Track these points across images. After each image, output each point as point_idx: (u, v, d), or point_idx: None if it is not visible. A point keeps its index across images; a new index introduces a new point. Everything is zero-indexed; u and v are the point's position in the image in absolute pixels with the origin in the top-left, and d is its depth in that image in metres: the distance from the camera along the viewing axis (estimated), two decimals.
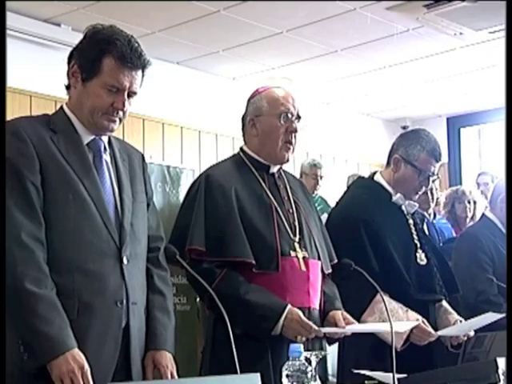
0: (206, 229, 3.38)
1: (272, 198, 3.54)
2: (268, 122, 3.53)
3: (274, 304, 3.32)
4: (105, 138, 3.04)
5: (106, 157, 3.02)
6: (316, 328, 3.30)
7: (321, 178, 7.26)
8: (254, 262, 3.36)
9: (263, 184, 3.56)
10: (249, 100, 3.64)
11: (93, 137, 2.98)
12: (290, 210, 3.58)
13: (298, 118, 3.55)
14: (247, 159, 3.60)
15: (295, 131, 3.53)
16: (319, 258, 3.57)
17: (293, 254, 3.46)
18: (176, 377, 2.92)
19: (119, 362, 2.88)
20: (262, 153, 3.58)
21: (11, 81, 6.56)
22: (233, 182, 3.48)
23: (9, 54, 6.60)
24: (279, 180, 3.63)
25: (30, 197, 2.78)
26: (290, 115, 3.52)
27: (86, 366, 2.69)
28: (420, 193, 4.15)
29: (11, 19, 6.58)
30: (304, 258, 3.48)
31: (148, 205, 3.14)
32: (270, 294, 3.35)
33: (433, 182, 4.13)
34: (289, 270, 3.42)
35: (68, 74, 2.99)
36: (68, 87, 3.02)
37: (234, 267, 3.37)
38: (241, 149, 3.68)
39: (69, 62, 2.99)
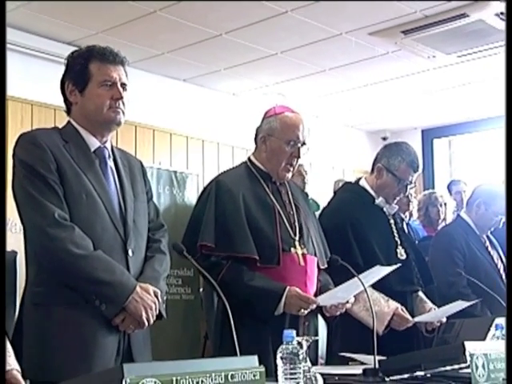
0: (216, 228, 3.41)
1: (275, 201, 3.57)
2: (277, 144, 3.56)
3: (274, 286, 3.35)
4: (108, 146, 3.08)
5: (110, 163, 3.06)
6: (314, 299, 3.34)
7: (306, 172, 7.17)
8: (257, 257, 3.38)
9: (267, 189, 3.59)
10: (265, 116, 3.66)
11: (98, 145, 3.03)
12: (291, 212, 3.60)
13: (304, 144, 3.56)
14: (254, 168, 3.63)
15: (298, 157, 3.57)
16: (315, 255, 3.59)
17: (293, 250, 3.48)
18: (154, 310, 2.90)
19: (123, 346, 2.92)
20: (267, 166, 3.61)
21: (38, 96, 6.65)
22: (240, 187, 3.51)
23: (36, 73, 6.72)
24: (281, 186, 3.66)
25: (55, 190, 2.83)
26: (297, 142, 3.54)
27: (151, 290, 2.86)
28: (398, 198, 4.17)
29: (39, 42, 6.66)
30: (303, 254, 3.50)
31: (149, 201, 3.19)
32: (271, 280, 3.37)
33: (410, 189, 4.15)
34: (289, 265, 3.45)
35: (66, 97, 3.06)
36: (68, 110, 3.07)
37: (240, 262, 3.39)
38: (249, 158, 3.70)
39: (62, 89, 3.06)
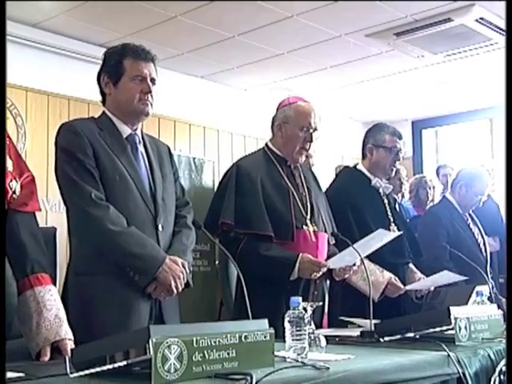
0: (236, 207, 3.40)
1: (289, 184, 3.56)
2: (292, 130, 3.54)
3: (289, 254, 3.35)
4: (138, 133, 3.08)
5: (141, 148, 3.06)
6: (324, 262, 3.34)
7: (313, 165, 7.15)
8: (272, 234, 3.38)
9: (282, 173, 3.58)
10: (279, 106, 3.64)
11: (130, 132, 3.03)
12: (304, 194, 3.60)
13: (315, 130, 3.55)
14: (270, 153, 3.62)
15: (311, 141, 3.55)
16: (326, 232, 3.58)
17: (305, 228, 3.49)
18: (182, 279, 2.90)
19: (155, 311, 2.95)
20: (282, 151, 3.59)
21: (74, 92, 6.65)
22: (258, 171, 3.50)
23: (72, 72, 6.74)
24: (295, 170, 3.65)
25: (92, 173, 2.83)
26: (309, 128, 3.52)
27: (180, 262, 2.87)
28: (395, 169, 4.14)
29: (74, 45, 6.71)
30: (314, 231, 3.50)
31: (175, 181, 3.19)
32: (285, 250, 3.37)
33: (402, 156, 4.12)
34: (302, 241, 3.45)
35: (101, 88, 3.06)
36: (103, 100, 3.07)
37: (257, 238, 3.38)
38: (266, 144, 3.69)
39: (98, 81, 3.06)
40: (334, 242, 3.65)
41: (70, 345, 2.27)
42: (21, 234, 2.33)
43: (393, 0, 5.84)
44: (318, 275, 3.38)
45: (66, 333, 2.28)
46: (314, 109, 3.61)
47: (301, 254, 3.33)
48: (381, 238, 3.44)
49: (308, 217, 3.54)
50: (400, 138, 4.08)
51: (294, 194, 3.56)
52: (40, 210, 2.45)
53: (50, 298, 2.30)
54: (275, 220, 3.41)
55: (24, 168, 2.40)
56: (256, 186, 3.45)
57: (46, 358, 2.20)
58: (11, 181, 2.29)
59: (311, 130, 3.54)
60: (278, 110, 3.65)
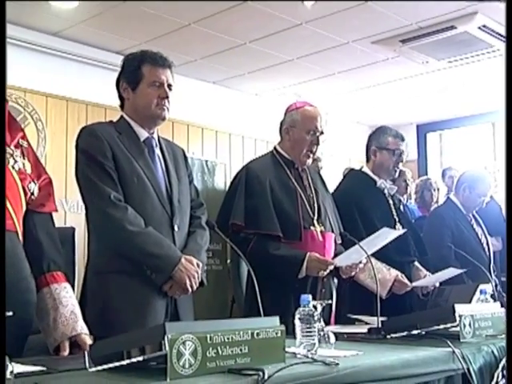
0: (245, 208, 3.40)
1: (297, 185, 3.56)
2: (299, 134, 3.54)
3: (297, 253, 3.34)
4: (155, 137, 3.08)
5: (157, 151, 3.06)
6: (331, 261, 3.34)
7: (321, 168, 7.16)
8: (281, 234, 3.37)
9: (290, 175, 3.57)
10: (287, 110, 3.64)
11: (147, 135, 3.02)
12: (311, 195, 3.59)
13: (322, 133, 3.55)
14: (279, 156, 3.62)
15: (318, 144, 3.55)
16: (332, 231, 3.58)
17: (312, 228, 3.48)
18: (197, 278, 2.90)
19: (171, 309, 2.94)
20: (290, 154, 3.59)
21: (91, 97, 6.67)
22: (267, 173, 3.50)
23: (90, 78, 6.76)
24: (302, 172, 3.65)
25: (111, 175, 2.83)
26: (316, 132, 3.52)
27: (195, 262, 2.86)
28: (398, 170, 4.13)
29: (92, 52, 6.74)
30: (321, 231, 3.50)
31: (190, 183, 3.18)
32: (293, 249, 3.36)
33: (404, 158, 4.10)
34: (309, 240, 3.44)
35: (120, 93, 3.07)
36: (122, 105, 3.07)
37: (266, 238, 3.37)
38: (274, 148, 3.69)
39: (117, 86, 3.06)
40: (340, 241, 3.65)
41: (87, 339, 2.27)
42: (38, 233, 2.34)
43: (397, 0, 5.81)
44: (325, 273, 3.37)
45: (82, 328, 2.29)
46: (320, 113, 3.61)
47: (308, 253, 3.33)
48: (385, 236, 3.44)
49: (315, 217, 3.53)
50: (402, 140, 4.08)
51: (302, 195, 3.55)
52: (56, 210, 2.46)
53: (66, 295, 2.31)
54: (283, 220, 3.41)
55: (42, 171, 2.41)
56: (265, 188, 3.45)
57: (66, 353, 2.21)
58: (30, 183, 2.30)
59: (318, 134, 3.55)
60: (285, 114, 3.65)
